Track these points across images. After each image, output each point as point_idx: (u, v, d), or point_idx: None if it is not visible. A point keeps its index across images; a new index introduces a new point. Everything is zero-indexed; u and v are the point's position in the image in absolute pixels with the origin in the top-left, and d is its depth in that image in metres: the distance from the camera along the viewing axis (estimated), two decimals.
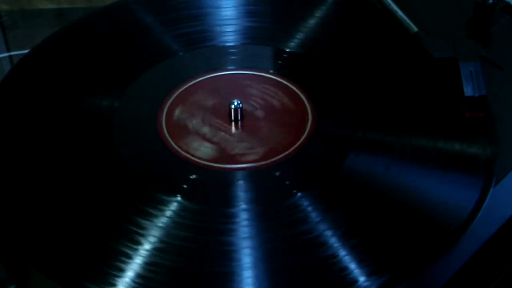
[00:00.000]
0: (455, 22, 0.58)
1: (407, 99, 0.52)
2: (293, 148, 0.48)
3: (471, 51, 0.51)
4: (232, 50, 0.56)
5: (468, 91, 0.49)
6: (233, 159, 0.48)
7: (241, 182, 0.46)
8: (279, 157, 0.48)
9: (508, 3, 0.59)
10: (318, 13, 0.59)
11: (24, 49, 0.79)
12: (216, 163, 0.47)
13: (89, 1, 0.87)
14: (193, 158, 0.48)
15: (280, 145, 0.48)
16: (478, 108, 0.49)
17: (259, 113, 0.51)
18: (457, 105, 0.50)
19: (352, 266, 0.41)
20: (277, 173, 0.47)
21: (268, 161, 0.47)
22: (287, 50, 0.56)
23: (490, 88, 0.51)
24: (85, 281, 0.41)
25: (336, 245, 0.42)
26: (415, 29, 0.55)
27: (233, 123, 0.50)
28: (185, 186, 0.46)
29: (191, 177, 0.46)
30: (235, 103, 0.50)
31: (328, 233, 0.42)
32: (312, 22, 0.58)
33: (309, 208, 0.44)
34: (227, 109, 0.50)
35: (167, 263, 0.41)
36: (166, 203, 0.44)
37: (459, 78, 0.50)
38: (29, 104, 0.52)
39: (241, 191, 0.46)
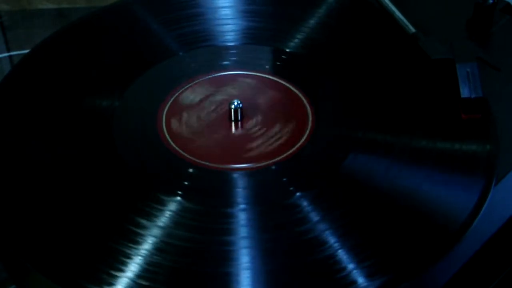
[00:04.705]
0: (455, 22, 0.58)
1: (407, 100, 0.52)
2: (293, 148, 0.48)
3: (468, 52, 0.51)
4: (232, 50, 0.56)
5: (464, 92, 0.49)
6: (233, 158, 0.48)
7: (240, 182, 0.46)
8: (279, 157, 0.48)
9: (508, 3, 0.59)
10: (318, 13, 0.59)
11: (24, 49, 0.80)
12: (216, 163, 0.47)
13: (89, 1, 0.87)
14: (193, 158, 0.48)
15: (279, 145, 0.48)
16: (475, 110, 0.49)
17: (259, 113, 0.51)
18: (455, 106, 0.50)
19: (352, 266, 0.41)
20: (278, 173, 0.47)
21: (268, 161, 0.47)
22: (287, 50, 0.56)
23: (490, 88, 0.51)
24: (85, 281, 0.41)
25: (335, 245, 0.42)
26: (413, 30, 0.55)
27: (233, 123, 0.50)
28: (185, 186, 0.46)
29: (190, 177, 0.46)
30: (235, 103, 0.50)
31: (328, 233, 0.42)
32: (312, 22, 0.58)
33: (309, 208, 0.44)
34: (227, 109, 0.50)
35: (167, 263, 0.41)
36: (166, 203, 0.44)
37: (456, 79, 0.50)
38: (29, 104, 0.52)
39: (241, 191, 0.46)
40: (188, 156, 0.48)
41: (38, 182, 0.46)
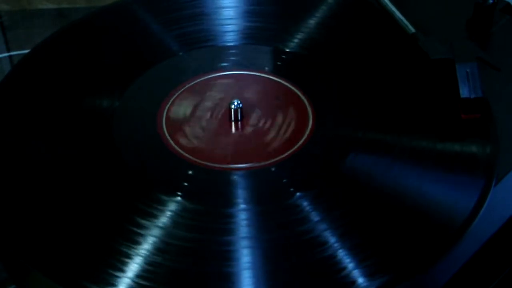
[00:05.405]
0: (455, 22, 0.58)
1: (407, 100, 0.52)
2: (293, 148, 0.48)
3: (468, 52, 0.51)
4: (232, 50, 0.56)
5: (464, 92, 0.49)
6: (233, 158, 0.48)
7: (240, 182, 0.46)
8: (279, 157, 0.48)
9: (508, 3, 0.60)
10: (318, 13, 0.59)
11: (24, 49, 0.80)
12: (216, 163, 0.47)
13: (89, 1, 0.87)
14: (192, 157, 0.48)
15: (280, 145, 0.48)
16: (474, 110, 0.49)
17: (259, 113, 0.51)
18: (455, 106, 0.50)
19: (352, 266, 0.41)
20: (276, 172, 0.47)
21: (268, 161, 0.47)
22: (287, 50, 0.56)
23: (490, 88, 0.51)
24: (85, 281, 0.41)
25: (335, 245, 0.42)
26: (413, 30, 0.55)
27: (233, 123, 0.50)
28: (185, 186, 0.46)
29: (190, 177, 0.46)
30: (235, 103, 0.50)
31: (328, 233, 0.42)
32: (312, 22, 0.58)
33: (309, 208, 0.44)
34: (227, 109, 0.50)
35: (167, 263, 0.41)
36: (166, 203, 0.44)
37: (455, 79, 0.50)
38: (29, 104, 0.52)
39: (241, 191, 0.46)
40: (188, 156, 0.48)
41: (38, 182, 0.46)
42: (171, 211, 0.44)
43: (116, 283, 0.40)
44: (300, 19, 0.58)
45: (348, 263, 0.41)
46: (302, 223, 0.43)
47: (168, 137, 0.49)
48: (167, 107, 0.51)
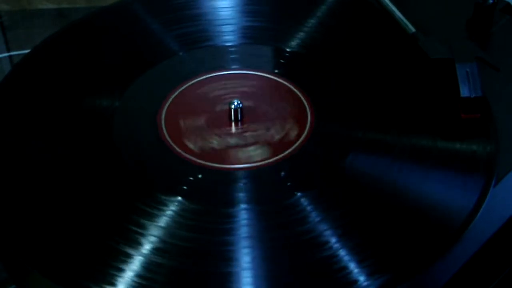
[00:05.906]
0: (455, 22, 0.58)
1: (407, 99, 0.52)
2: (292, 148, 0.48)
3: (468, 52, 0.51)
4: (232, 50, 0.56)
5: (464, 91, 0.49)
6: (233, 158, 0.48)
7: (241, 182, 0.46)
8: (279, 157, 0.48)
9: (508, 3, 0.60)
10: (318, 13, 0.59)
11: (24, 49, 0.80)
12: (216, 162, 0.47)
13: (89, 1, 0.87)
14: (193, 157, 0.48)
15: (279, 145, 0.48)
16: (474, 109, 0.49)
17: (259, 113, 0.51)
18: (455, 106, 0.50)
19: (352, 266, 0.41)
20: (276, 172, 0.47)
21: (268, 161, 0.47)
22: (287, 50, 0.56)
23: (490, 88, 0.51)
24: (85, 281, 0.41)
25: (336, 245, 0.42)
26: (413, 29, 0.55)
27: (233, 123, 0.50)
28: (185, 186, 0.46)
29: (191, 177, 0.46)
30: (235, 103, 0.50)
31: (328, 233, 0.43)
32: (312, 21, 0.58)
33: (309, 208, 0.44)
34: (227, 109, 0.50)
35: (167, 263, 0.41)
36: (166, 203, 0.44)
37: (455, 79, 0.50)
38: (29, 104, 0.52)
39: (241, 191, 0.46)
40: (188, 156, 0.48)
41: (38, 182, 0.46)
42: (171, 211, 0.44)
43: (116, 283, 0.40)
44: (300, 18, 0.58)
45: (348, 263, 0.41)
46: (302, 223, 0.43)
47: (168, 137, 0.49)
48: (167, 107, 0.51)
